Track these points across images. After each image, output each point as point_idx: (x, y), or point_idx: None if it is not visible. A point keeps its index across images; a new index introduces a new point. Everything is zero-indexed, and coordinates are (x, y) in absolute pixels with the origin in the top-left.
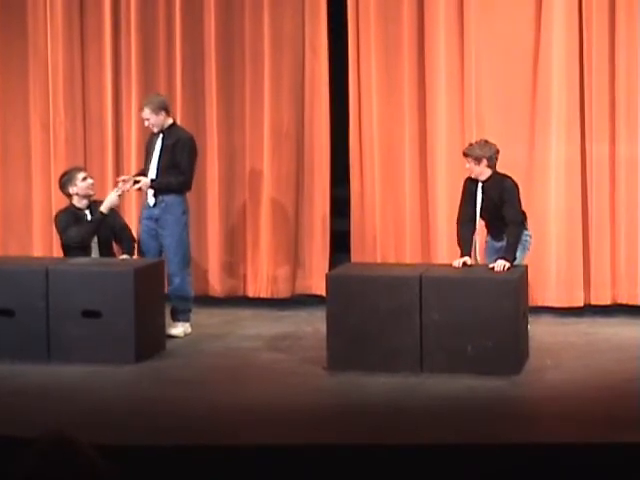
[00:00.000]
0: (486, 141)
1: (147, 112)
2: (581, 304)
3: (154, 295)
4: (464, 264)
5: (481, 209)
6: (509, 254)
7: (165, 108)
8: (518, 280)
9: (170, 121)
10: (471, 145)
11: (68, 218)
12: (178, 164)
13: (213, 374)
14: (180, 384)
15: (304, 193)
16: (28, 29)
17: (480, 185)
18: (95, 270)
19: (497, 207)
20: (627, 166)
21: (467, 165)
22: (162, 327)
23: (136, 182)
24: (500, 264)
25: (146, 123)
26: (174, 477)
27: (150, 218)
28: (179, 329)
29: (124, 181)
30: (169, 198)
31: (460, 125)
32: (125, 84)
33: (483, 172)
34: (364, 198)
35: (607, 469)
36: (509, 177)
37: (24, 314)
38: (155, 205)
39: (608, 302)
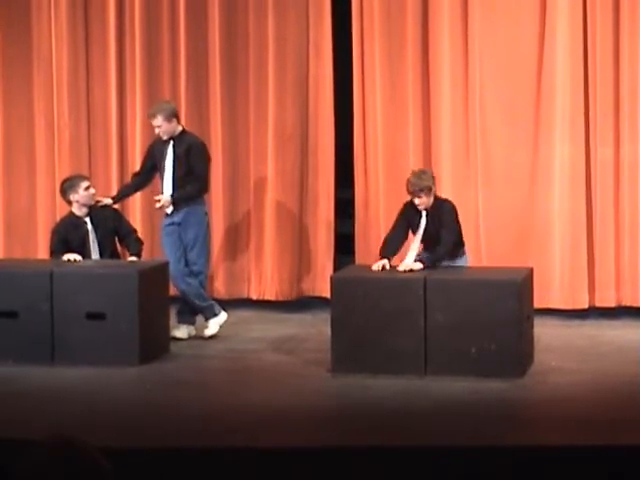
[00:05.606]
0: (423, 170)
1: (159, 120)
2: (586, 306)
3: (158, 297)
4: (383, 267)
5: (424, 236)
6: (428, 261)
7: (176, 115)
8: (522, 282)
9: (180, 128)
10: (413, 181)
11: (60, 237)
12: (193, 170)
13: (217, 376)
14: (184, 386)
15: (308, 195)
16: (32, 31)
17: (424, 214)
18: (99, 272)
19: (437, 230)
20: (631, 169)
21: (417, 201)
22: (166, 329)
23: (157, 201)
24: (407, 264)
25: (157, 130)
26: (178, 479)
27: (172, 224)
28: (183, 331)
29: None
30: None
31: (464, 126)
32: (129, 86)
33: (431, 201)
34: (368, 200)
35: (610, 472)
36: (447, 200)
37: (28, 316)
38: (173, 212)
39: (612, 304)
